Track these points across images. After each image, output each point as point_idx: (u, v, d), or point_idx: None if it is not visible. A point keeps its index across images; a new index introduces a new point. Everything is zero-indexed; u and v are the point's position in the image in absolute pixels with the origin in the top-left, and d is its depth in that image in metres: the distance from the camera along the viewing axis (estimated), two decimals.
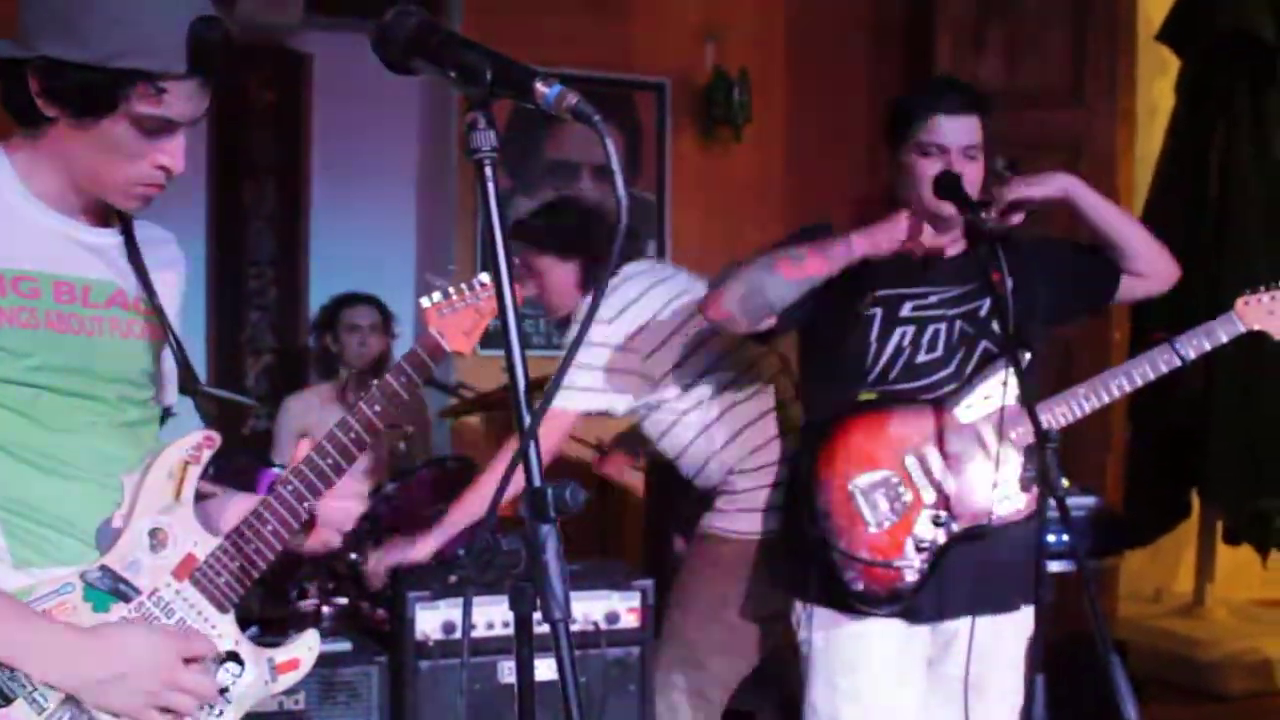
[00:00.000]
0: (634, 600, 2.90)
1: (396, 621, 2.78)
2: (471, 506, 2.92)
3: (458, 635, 2.77)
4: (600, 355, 2.95)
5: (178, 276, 1.87)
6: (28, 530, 1.57)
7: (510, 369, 1.17)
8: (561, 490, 1.14)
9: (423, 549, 2.89)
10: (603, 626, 2.85)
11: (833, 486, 2.53)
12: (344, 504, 1.76)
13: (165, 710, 1.56)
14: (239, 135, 4.84)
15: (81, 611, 1.55)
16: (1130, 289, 2.70)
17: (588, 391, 2.93)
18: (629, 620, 2.89)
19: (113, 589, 1.58)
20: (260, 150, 4.93)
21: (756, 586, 3.04)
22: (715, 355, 3.05)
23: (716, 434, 3.02)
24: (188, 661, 1.57)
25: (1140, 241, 2.65)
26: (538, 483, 1.15)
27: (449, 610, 2.78)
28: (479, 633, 2.80)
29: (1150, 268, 2.67)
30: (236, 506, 1.77)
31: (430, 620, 2.76)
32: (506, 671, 2.82)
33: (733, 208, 5.25)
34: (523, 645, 1.21)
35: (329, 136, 5.03)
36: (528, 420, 1.13)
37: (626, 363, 2.97)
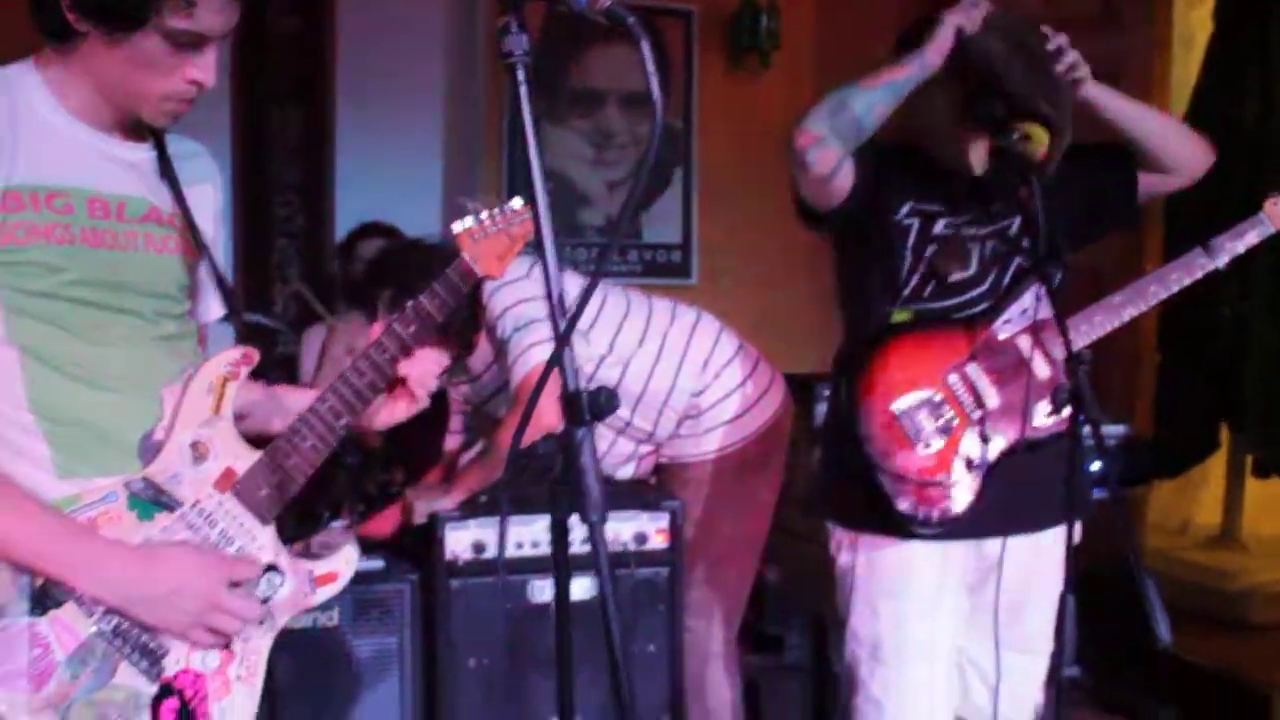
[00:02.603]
0: (663, 521, 2.92)
1: (428, 541, 2.81)
2: (503, 456, 2.88)
3: (487, 554, 2.80)
4: (533, 309, 2.95)
5: (212, 188, 1.87)
6: (71, 442, 1.59)
7: (547, 284, 1.17)
8: (597, 394, 1.15)
9: (454, 498, 2.91)
10: (631, 547, 2.88)
11: (875, 410, 2.51)
12: (426, 364, 1.76)
13: (209, 629, 1.59)
14: (263, 63, 4.80)
15: (126, 520, 1.57)
16: (1161, 184, 2.66)
17: (545, 344, 2.89)
18: (657, 541, 2.92)
19: (155, 499, 1.60)
20: (285, 77, 4.89)
21: (733, 494, 3.11)
22: (623, 301, 3.16)
23: (664, 368, 3.10)
24: (233, 585, 1.60)
25: (1164, 132, 2.60)
26: (571, 388, 1.15)
27: (479, 530, 2.81)
28: (510, 553, 2.83)
29: (1179, 158, 2.62)
30: (280, 422, 1.79)
31: (460, 539, 2.80)
32: (537, 591, 2.85)
33: (760, 136, 5.20)
34: (560, 549, 1.22)
35: (353, 62, 4.98)
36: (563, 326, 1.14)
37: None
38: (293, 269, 4.78)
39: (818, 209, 2.60)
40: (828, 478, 2.78)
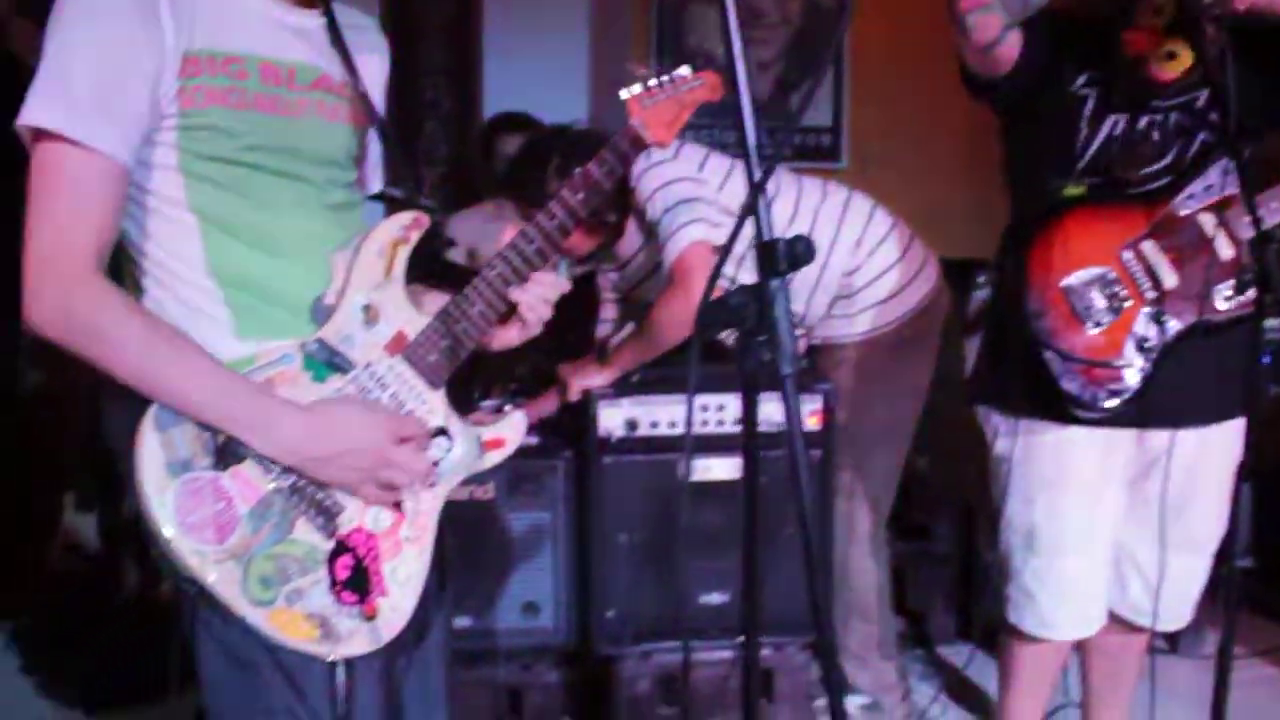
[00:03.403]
0: (815, 403, 2.89)
1: (581, 418, 2.83)
2: (664, 333, 2.88)
3: (640, 431, 2.81)
4: (683, 189, 2.91)
5: (381, 60, 1.88)
6: (248, 304, 1.62)
7: (742, 138, 1.14)
8: (794, 242, 1.11)
9: (608, 375, 2.92)
10: (784, 428, 2.85)
11: (1044, 286, 2.43)
12: (539, 289, 1.75)
13: (381, 486, 1.62)
14: None
15: (301, 381, 1.60)
16: None
17: (697, 223, 2.87)
18: (809, 423, 2.90)
19: (329, 361, 1.62)
20: None
21: (886, 377, 3.07)
22: (771, 180, 3.07)
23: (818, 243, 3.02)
24: (402, 442, 1.62)
25: None
26: (768, 236, 1.12)
27: (631, 407, 2.82)
28: (660, 430, 2.84)
29: None
30: (437, 297, 1.80)
31: (613, 416, 2.81)
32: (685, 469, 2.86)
33: (915, 13, 5.02)
34: (750, 404, 1.20)
35: None
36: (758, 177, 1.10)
37: (702, 191, 2.92)
38: (440, 150, 4.80)
39: (983, 77, 2.49)
40: (988, 360, 2.71)
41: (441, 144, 4.81)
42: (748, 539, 1.24)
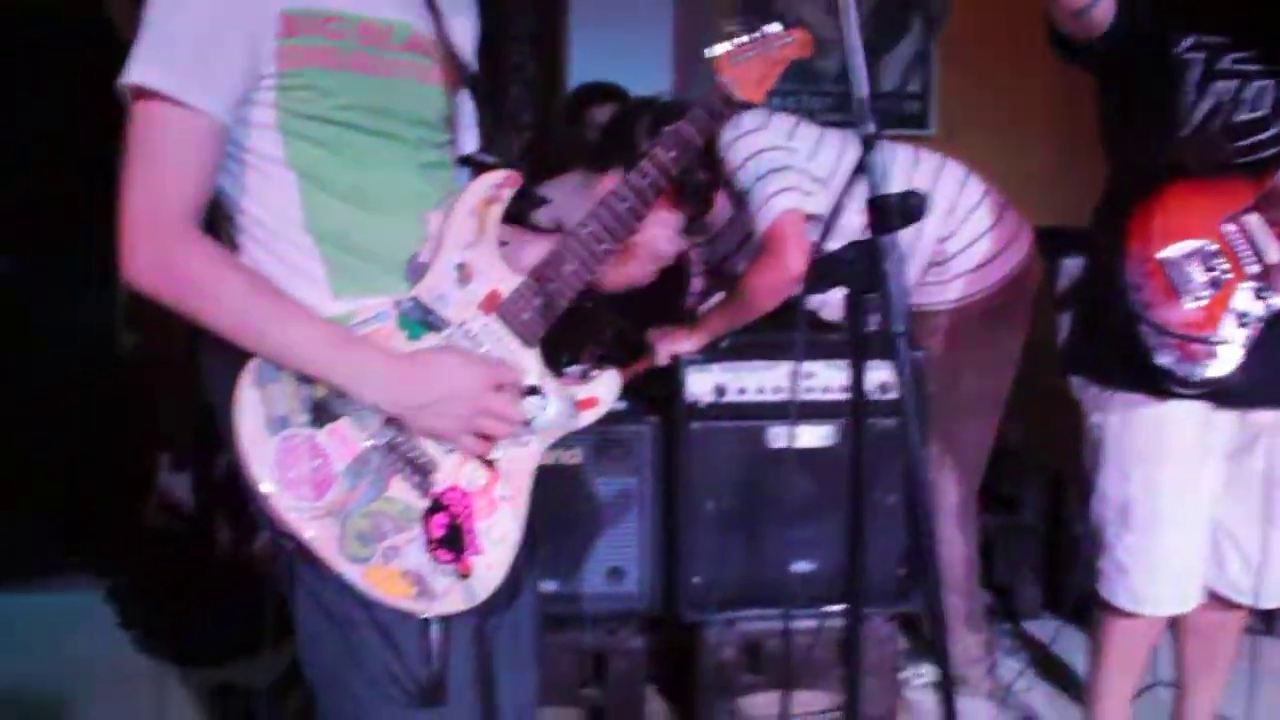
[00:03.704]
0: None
1: (669, 383, 2.82)
2: (756, 300, 2.85)
3: (728, 398, 2.80)
4: (774, 157, 2.87)
5: (471, 21, 1.87)
6: (344, 262, 1.62)
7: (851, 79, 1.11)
8: (907, 196, 1.08)
9: (696, 340, 2.90)
10: (875, 396, 2.81)
11: (1142, 258, 2.36)
12: (658, 228, 1.74)
13: (478, 435, 1.62)
14: None
15: (396, 339, 1.60)
16: None
17: (788, 192, 2.84)
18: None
19: (423, 319, 1.63)
20: None
21: (977, 346, 3.00)
22: (840, 141, 3.05)
23: None
24: (498, 389, 1.62)
25: None
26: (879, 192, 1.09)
27: (720, 373, 2.80)
28: (748, 396, 2.82)
29: None
30: (532, 249, 1.80)
31: (702, 382, 2.80)
32: (773, 436, 2.84)
33: None
34: (858, 363, 1.18)
35: None
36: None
37: (792, 160, 2.88)
38: (525, 117, 4.80)
39: (1077, 40, 2.42)
40: (1083, 331, 2.65)
41: (526, 110, 4.81)
42: (854, 504, 1.22)
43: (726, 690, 2.97)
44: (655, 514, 2.88)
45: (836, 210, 1.22)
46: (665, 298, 3.42)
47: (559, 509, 2.81)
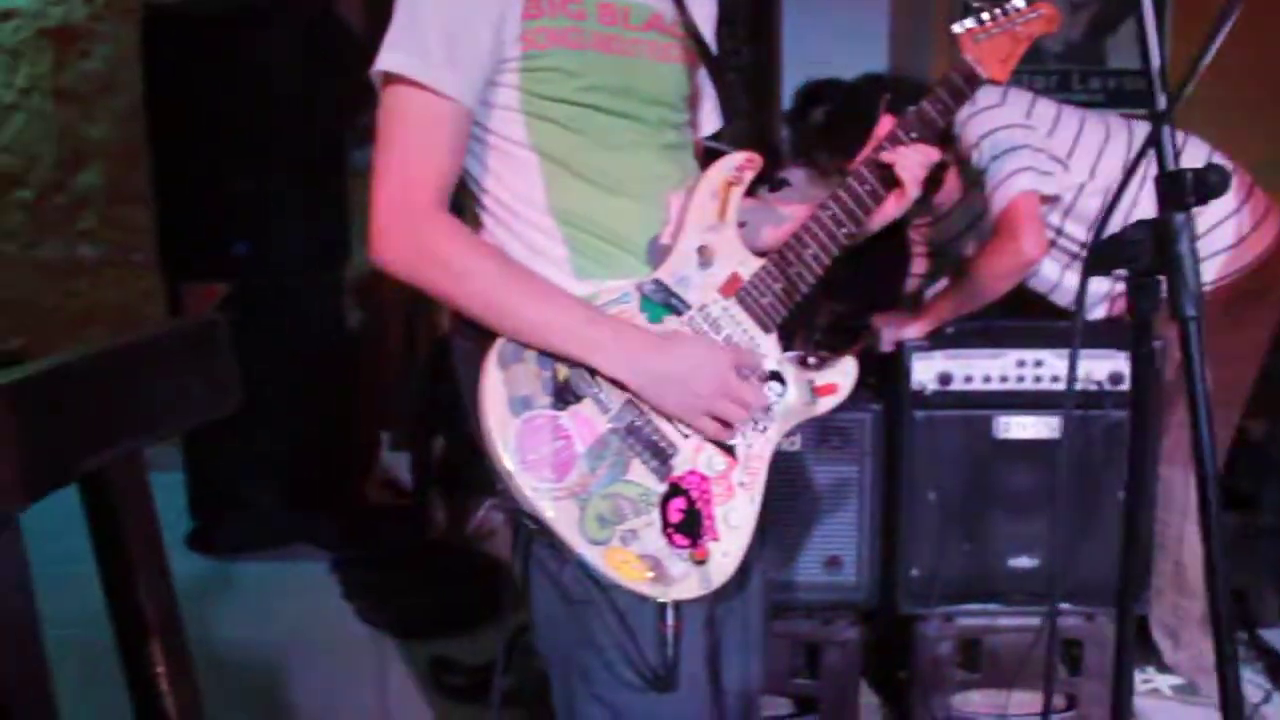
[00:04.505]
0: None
1: (892, 370, 2.76)
2: (988, 285, 2.77)
3: (953, 386, 2.71)
4: (1011, 135, 2.76)
5: (710, 6, 1.85)
6: (587, 243, 1.62)
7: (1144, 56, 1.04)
8: (1206, 171, 1.01)
9: (922, 326, 2.83)
10: (1106, 387, 2.70)
11: None
12: (915, 155, 1.69)
13: (716, 419, 1.60)
14: None
15: (638, 320, 1.60)
16: None
17: (1026, 171, 2.73)
18: None
19: (665, 302, 1.62)
20: None
21: (1221, 334, 2.86)
22: (1101, 126, 2.94)
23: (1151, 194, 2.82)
24: (740, 373, 1.60)
25: None
26: (1170, 167, 1.03)
27: (945, 360, 2.72)
28: (974, 385, 2.73)
29: None
30: (772, 231, 1.77)
31: (926, 370, 2.72)
32: (1000, 426, 2.75)
33: None
34: (1141, 345, 1.11)
35: None
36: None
37: (1030, 138, 2.75)
38: (740, 103, 4.77)
39: None
40: None
41: (741, 95, 4.78)
42: (1132, 496, 1.15)
43: (941, 687, 2.89)
44: (875, 504, 2.82)
45: (1119, 191, 1.15)
46: (886, 279, 3.34)
47: (777, 497, 2.77)
